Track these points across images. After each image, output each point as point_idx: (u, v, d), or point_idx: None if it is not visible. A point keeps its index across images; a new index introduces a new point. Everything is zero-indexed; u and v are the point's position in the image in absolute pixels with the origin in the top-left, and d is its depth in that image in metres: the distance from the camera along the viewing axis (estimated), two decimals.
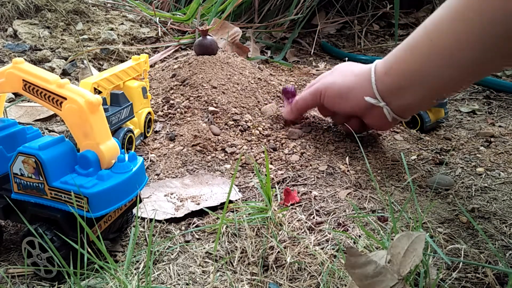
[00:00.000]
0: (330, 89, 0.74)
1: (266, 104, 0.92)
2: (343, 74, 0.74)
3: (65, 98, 0.44)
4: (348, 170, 0.71)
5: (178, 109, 0.87)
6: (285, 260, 0.48)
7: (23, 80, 0.46)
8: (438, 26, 0.59)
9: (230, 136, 0.81)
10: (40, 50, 1.17)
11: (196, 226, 0.58)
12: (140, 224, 0.57)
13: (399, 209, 0.59)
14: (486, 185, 0.66)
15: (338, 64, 0.80)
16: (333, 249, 0.50)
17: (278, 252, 0.49)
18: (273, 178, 0.69)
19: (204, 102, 0.87)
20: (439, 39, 0.58)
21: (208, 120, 0.83)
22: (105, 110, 0.63)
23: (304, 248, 0.50)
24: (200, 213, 0.60)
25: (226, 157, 0.76)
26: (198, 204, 0.61)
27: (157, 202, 0.62)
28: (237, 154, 0.76)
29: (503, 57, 0.56)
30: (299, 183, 0.68)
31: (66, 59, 1.15)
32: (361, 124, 0.77)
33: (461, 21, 0.56)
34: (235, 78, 0.96)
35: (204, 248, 0.52)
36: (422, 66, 0.62)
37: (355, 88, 0.70)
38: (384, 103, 0.68)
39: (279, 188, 0.65)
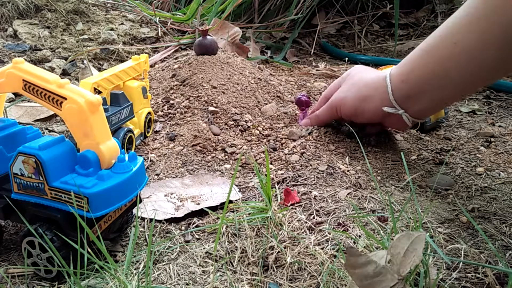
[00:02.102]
0: (344, 105, 0.74)
1: (266, 104, 0.92)
2: (356, 87, 0.73)
3: (65, 98, 0.44)
4: (348, 170, 0.71)
5: (178, 109, 0.87)
6: (285, 260, 0.48)
7: (23, 80, 0.46)
8: (460, 27, 0.60)
9: (230, 136, 0.81)
10: (40, 50, 1.17)
11: (196, 226, 0.58)
12: (140, 224, 0.57)
13: (399, 209, 0.59)
14: (486, 185, 0.66)
15: (346, 67, 0.80)
16: (333, 249, 0.50)
17: (278, 252, 0.49)
18: (273, 178, 0.69)
19: (204, 102, 0.87)
20: (463, 40, 0.59)
21: (208, 120, 0.83)
22: (105, 110, 0.63)
23: (304, 248, 0.50)
24: (200, 213, 0.60)
25: (226, 157, 0.76)
26: (198, 204, 0.61)
27: (157, 202, 0.62)
28: (237, 154, 0.76)
29: None
30: (299, 183, 0.68)
31: (66, 59, 1.15)
32: (381, 127, 0.78)
33: (485, 21, 0.56)
34: (235, 78, 0.96)
35: (204, 248, 0.52)
36: (444, 68, 0.62)
37: (370, 100, 0.70)
38: (402, 111, 0.68)
39: (279, 188, 0.65)
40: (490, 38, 0.56)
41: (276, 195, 0.63)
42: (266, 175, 0.53)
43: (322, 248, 0.51)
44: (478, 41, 0.58)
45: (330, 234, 0.54)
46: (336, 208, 0.60)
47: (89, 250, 0.42)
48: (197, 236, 0.55)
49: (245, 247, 0.50)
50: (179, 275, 0.48)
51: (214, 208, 0.61)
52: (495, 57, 0.57)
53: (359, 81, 0.73)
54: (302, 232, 0.54)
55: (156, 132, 0.83)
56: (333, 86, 0.80)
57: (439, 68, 0.62)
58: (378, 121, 0.74)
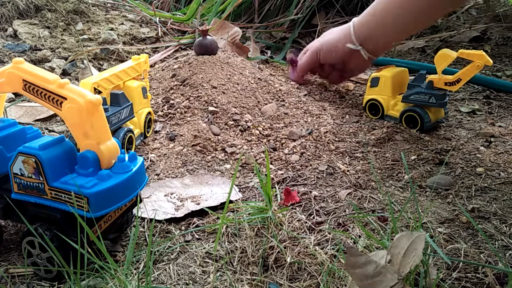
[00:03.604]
0: (326, 44, 1.00)
1: (266, 104, 0.92)
2: (329, 34, 1.00)
3: (65, 98, 0.44)
4: (348, 170, 0.71)
5: (178, 109, 0.87)
6: (285, 260, 0.48)
7: (23, 80, 0.46)
8: None
9: (230, 136, 0.81)
10: (40, 50, 1.17)
11: (196, 226, 0.58)
12: (140, 224, 0.57)
13: (399, 209, 0.59)
14: (486, 185, 0.66)
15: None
16: (333, 249, 0.50)
17: (278, 252, 0.49)
18: (273, 178, 0.69)
19: (204, 102, 0.87)
20: None
21: (208, 120, 0.83)
22: (105, 110, 0.63)
23: (304, 248, 0.50)
24: (200, 213, 0.60)
25: (226, 157, 0.76)
26: (198, 204, 0.61)
27: (157, 202, 0.62)
28: (237, 154, 0.76)
29: (445, 4, 0.84)
30: (299, 183, 0.68)
31: (66, 59, 1.15)
32: (341, 76, 1.05)
33: None
34: (235, 78, 0.96)
35: (204, 248, 0.52)
36: (384, 18, 0.89)
37: (341, 40, 0.96)
38: (361, 47, 0.94)
39: (279, 188, 0.65)
40: None
41: (276, 195, 0.63)
42: (266, 175, 0.53)
43: (322, 248, 0.51)
44: None
45: (330, 234, 0.54)
46: (336, 208, 0.60)
47: (89, 250, 0.42)
48: (197, 236, 0.55)
49: (245, 247, 0.50)
50: (179, 275, 0.48)
51: (214, 208, 0.61)
52: (419, 7, 0.83)
53: (331, 31, 1.01)
54: (302, 232, 0.54)
55: (156, 132, 0.83)
56: (313, 43, 1.04)
57: (380, 19, 0.89)
58: (345, 60, 0.98)
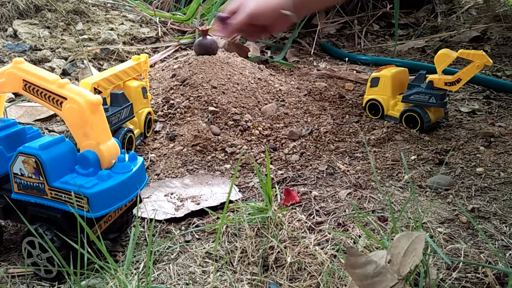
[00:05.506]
0: (263, 8, 1.00)
1: (266, 104, 0.92)
2: None
3: (66, 98, 0.44)
4: (348, 170, 0.71)
5: (178, 109, 0.87)
6: (285, 260, 0.48)
7: (24, 80, 0.46)
8: None
9: (230, 136, 0.81)
10: (40, 50, 1.17)
11: (196, 226, 0.58)
12: (140, 224, 0.57)
13: (399, 209, 0.59)
14: (486, 185, 0.66)
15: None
16: (333, 249, 0.50)
17: (278, 252, 0.49)
18: (273, 178, 0.69)
19: (204, 102, 0.87)
20: None
21: (208, 120, 0.83)
22: (105, 110, 0.63)
23: (304, 248, 0.50)
24: (200, 213, 0.60)
25: (226, 157, 0.76)
26: (198, 204, 0.61)
27: (157, 202, 0.62)
28: (237, 154, 0.76)
29: None
30: (299, 183, 0.68)
31: (66, 59, 1.15)
32: (262, 33, 1.05)
33: None
34: (235, 78, 0.96)
35: (204, 248, 0.52)
36: None
37: (278, 5, 0.99)
38: (292, 13, 1.00)
39: (279, 188, 0.65)
40: None
41: (276, 195, 0.63)
42: (266, 175, 0.53)
43: (322, 248, 0.51)
44: None
45: (330, 234, 0.54)
46: (336, 208, 0.60)
47: (89, 250, 0.42)
48: (197, 236, 0.55)
49: (245, 247, 0.50)
50: (179, 275, 0.48)
51: (214, 208, 0.61)
52: None
53: None
54: (302, 232, 0.54)
55: (156, 132, 0.83)
56: (236, 1, 1.06)
57: None
58: (275, 23, 1.00)
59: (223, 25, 1.11)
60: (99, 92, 0.68)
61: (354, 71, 1.27)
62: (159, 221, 0.58)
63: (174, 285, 0.46)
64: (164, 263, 0.50)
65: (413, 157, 0.75)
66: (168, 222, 0.58)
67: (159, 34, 1.40)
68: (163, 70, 1.04)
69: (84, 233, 0.43)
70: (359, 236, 0.53)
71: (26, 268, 0.48)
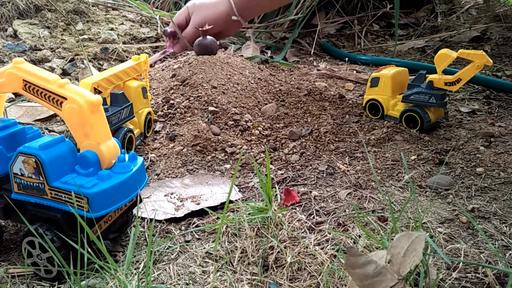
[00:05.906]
0: (211, 18, 1.10)
1: (266, 104, 0.92)
2: (208, 7, 1.14)
3: (66, 98, 0.44)
4: (348, 170, 0.71)
5: (178, 109, 0.87)
6: (285, 260, 0.48)
7: (24, 80, 0.46)
8: None
9: (230, 136, 0.81)
10: (40, 50, 1.17)
11: (196, 226, 0.58)
12: (140, 224, 0.57)
13: (399, 209, 0.59)
14: (486, 185, 0.66)
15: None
16: (333, 249, 0.50)
17: (278, 252, 0.49)
18: (273, 178, 0.69)
19: (204, 102, 0.87)
20: None
21: (208, 120, 0.83)
22: (105, 110, 0.63)
23: (304, 248, 0.50)
24: (200, 213, 0.60)
25: (226, 157, 0.76)
26: (198, 204, 0.61)
27: (157, 202, 0.62)
28: (237, 154, 0.76)
29: None
30: (299, 183, 0.68)
31: (66, 59, 1.15)
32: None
33: None
34: (235, 78, 0.96)
35: (204, 248, 0.52)
36: None
37: (225, 14, 1.11)
38: (240, 18, 1.13)
39: (279, 188, 0.65)
40: None
41: (276, 195, 0.63)
42: (266, 175, 0.53)
43: (322, 248, 0.51)
44: None
45: (330, 234, 0.54)
46: (336, 208, 0.60)
47: (89, 250, 0.42)
48: (197, 236, 0.55)
49: (245, 247, 0.50)
50: (179, 275, 0.48)
51: (214, 208, 0.61)
52: None
53: (206, 7, 1.13)
54: (302, 232, 0.54)
55: (156, 132, 0.83)
56: (181, 15, 1.17)
57: None
58: (226, 28, 1.14)
59: (173, 40, 1.18)
60: (99, 92, 0.68)
61: (354, 71, 1.27)
62: (159, 221, 0.58)
63: (174, 285, 0.46)
64: (164, 263, 0.50)
65: (413, 157, 0.75)
66: (168, 222, 0.58)
67: (159, 34, 1.40)
68: (163, 70, 1.04)
69: (84, 233, 0.44)
70: (359, 236, 0.53)
71: (26, 268, 0.48)
